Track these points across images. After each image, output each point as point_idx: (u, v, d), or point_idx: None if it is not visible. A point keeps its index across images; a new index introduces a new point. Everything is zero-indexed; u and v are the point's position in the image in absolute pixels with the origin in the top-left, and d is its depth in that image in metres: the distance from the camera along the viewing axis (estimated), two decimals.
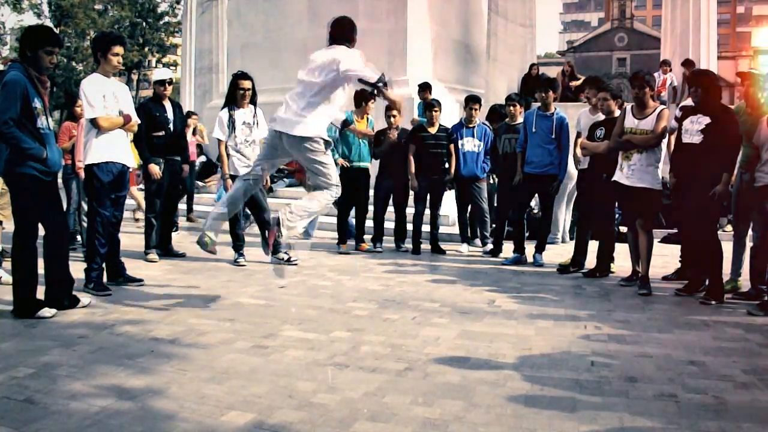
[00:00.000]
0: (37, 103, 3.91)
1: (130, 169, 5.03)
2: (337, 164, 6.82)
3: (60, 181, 4.73)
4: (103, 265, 4.80)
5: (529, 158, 6.26)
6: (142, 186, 6.99)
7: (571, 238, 7.54)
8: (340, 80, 4.16)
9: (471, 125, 7.05)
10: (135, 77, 42.33)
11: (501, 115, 7.40)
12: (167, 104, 6.15)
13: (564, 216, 7.80)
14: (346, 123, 5.55)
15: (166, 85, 6.15)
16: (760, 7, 57.40)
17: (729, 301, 4.80)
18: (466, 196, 7.08)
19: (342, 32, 4.41)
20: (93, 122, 4.68)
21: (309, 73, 4.23)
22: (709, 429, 2.49)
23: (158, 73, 6.41)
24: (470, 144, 6.96)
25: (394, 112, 6.91)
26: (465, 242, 7.13)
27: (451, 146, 6.94)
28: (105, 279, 4.83)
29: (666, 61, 13.04)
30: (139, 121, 5.16)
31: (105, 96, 4.69)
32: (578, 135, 6.19)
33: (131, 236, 7.80)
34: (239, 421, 2.48)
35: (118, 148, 4.79)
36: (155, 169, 6.00)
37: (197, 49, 17.36)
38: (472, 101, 7.15)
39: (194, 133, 9.93)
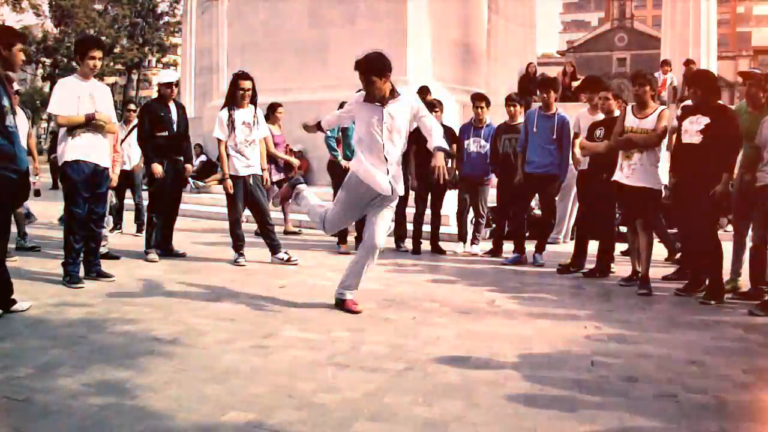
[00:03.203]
0: (5, 102, 3.95)
1: (108, 169, 5.17)
2: (340, 166, 6.86)
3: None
4: (80, 259, 4.97)
5: (529, 158, 6.24)
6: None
7: (571, 238, 7.53)
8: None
9: (480, 125, 6.97)
10: (135, 77, 42.34)
11: None
12: (171, 105, 6.17)
13: (569, 216, 7.78)
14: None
15: (173, 87, 6.18)
16: (760, 7, 57.40)
17: (729, 301, 4.80)
18: (468, 196, 7.05)
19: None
20: (54, 119, 4.91)
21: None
22: (709, 429, 2.49)
23: (166, 75, 6.39)
24: (475, 145, 6.89)
25: None
26: (461, 241, 7.09)
27: (453, 146, 6.90)
28: (81, 272, 4.97)
29: (666, 61, 13.05)
30: (116, 122, 5.31)
31: (80, 97, 4.88)
32: (575, 135, 6.18)
33: (131, 236, 7.81)
34: (239, 421, 2.48)
35: (92, 148, 4.93)
36: (158, 169, 6.02)
37: (197, 49, 17.39)
38: (478, 99, 7.01)
39: None
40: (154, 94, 6.58)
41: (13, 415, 2.50)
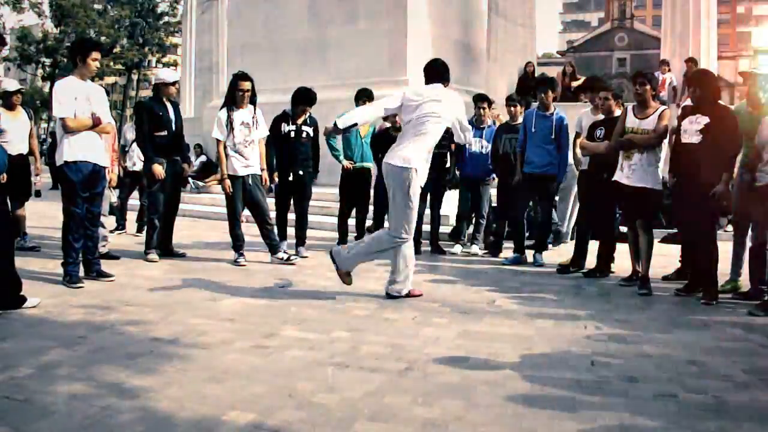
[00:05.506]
0: None
1: (106, 168, 5.23)
2: (343, 168, 6.85)
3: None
4: (79, 259, 4.97)
5: (528, 158, 6.25)
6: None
7: (571, 238, 7.53)
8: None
9: (482, 126, 6.97)
10: (135, 77, 42.33)
11: None
12: (168, 104, 6.16)
13: (569, 216, 7.76)
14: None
15: (175, 86, 6.18)
16: (760, 7, 57.43)
17: (729, 301, 4.80)
18: (470, 196, 7.03)
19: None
20: (62, 122, 4.88)
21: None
22: (709, 429, 2.49)
23: (167, 75, 6.28)
24: (477, 145, 6.89)
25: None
26: (458, 243, 7.07)
27: (453, 145, 6.87)
28: (81, 272, 4.98)
29: (666, 61, 13.05)
30: (113, 123, 5.32)
31: (77, 98, 4.89)
32: (577, 135, 6.18)
33: (132, 236, 7.81)
34: (239, 421, 2.48)
35: (90, 148, 4.95)
36: (158, 169, 5.99)
37: (197, 49, 17.38)
38: (480, 100, 7.02)
39: None
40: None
41: (13, 415, 2.50)
